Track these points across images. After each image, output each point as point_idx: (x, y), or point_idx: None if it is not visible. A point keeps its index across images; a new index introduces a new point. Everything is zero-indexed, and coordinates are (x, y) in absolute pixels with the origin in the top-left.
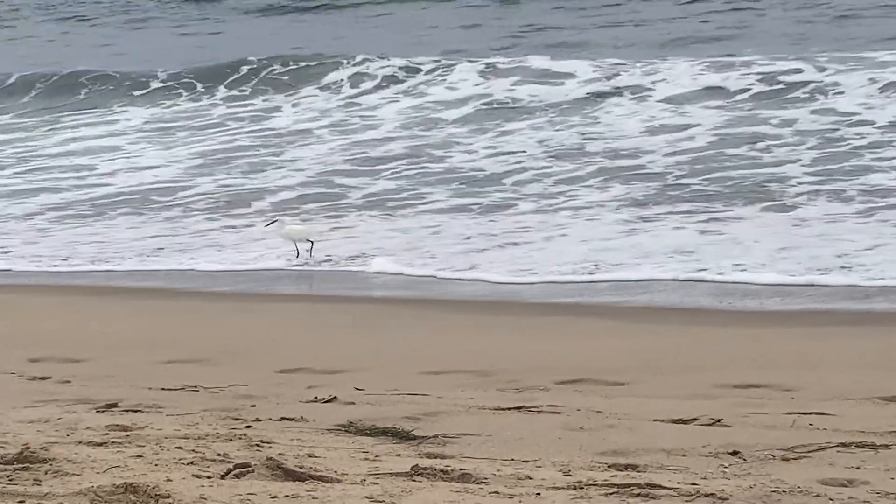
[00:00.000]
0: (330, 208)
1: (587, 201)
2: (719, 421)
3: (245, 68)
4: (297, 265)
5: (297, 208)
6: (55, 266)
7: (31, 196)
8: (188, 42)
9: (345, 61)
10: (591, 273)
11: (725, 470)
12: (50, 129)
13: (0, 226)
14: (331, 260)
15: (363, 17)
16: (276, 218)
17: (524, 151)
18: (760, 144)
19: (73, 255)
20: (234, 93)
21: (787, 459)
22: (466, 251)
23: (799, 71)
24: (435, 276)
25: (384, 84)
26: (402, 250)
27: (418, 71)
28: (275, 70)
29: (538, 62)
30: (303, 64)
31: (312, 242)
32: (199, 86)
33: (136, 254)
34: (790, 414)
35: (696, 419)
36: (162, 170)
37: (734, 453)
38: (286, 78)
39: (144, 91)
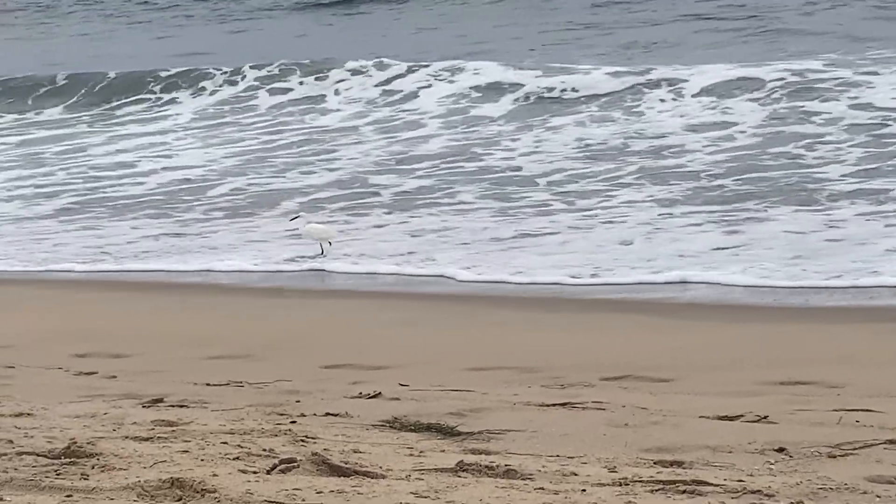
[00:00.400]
0: (358, 206)
1: (621, 201)
2: (765, 417)
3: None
4: (318, 263)
5: (324, 208)
6: (95, 262)
7: (67, 194)
8: (234, 40)
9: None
10: (631, 271)
11: (772, 467)
12: (99, 126)
13: (38, 223)
14: (349, 257)
15: (404, 13)
16: (300, 214)
17: (559, 152)
18: (802, 143)
19: (110, 252)
20: (263, 73)
21: (834, 456)
22: (503, 249)
23: (838, 68)
24: (447, 276)
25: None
26: (426, 250)
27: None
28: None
29: (578, 60)
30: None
31: (330, 243)
32: (225, 67)
33: (177, 250)
34: (836, 411)
35: (741, 416)
36: (200, 169)
37: (780, 450)
38: (306, 61)
39: (173, 71)
